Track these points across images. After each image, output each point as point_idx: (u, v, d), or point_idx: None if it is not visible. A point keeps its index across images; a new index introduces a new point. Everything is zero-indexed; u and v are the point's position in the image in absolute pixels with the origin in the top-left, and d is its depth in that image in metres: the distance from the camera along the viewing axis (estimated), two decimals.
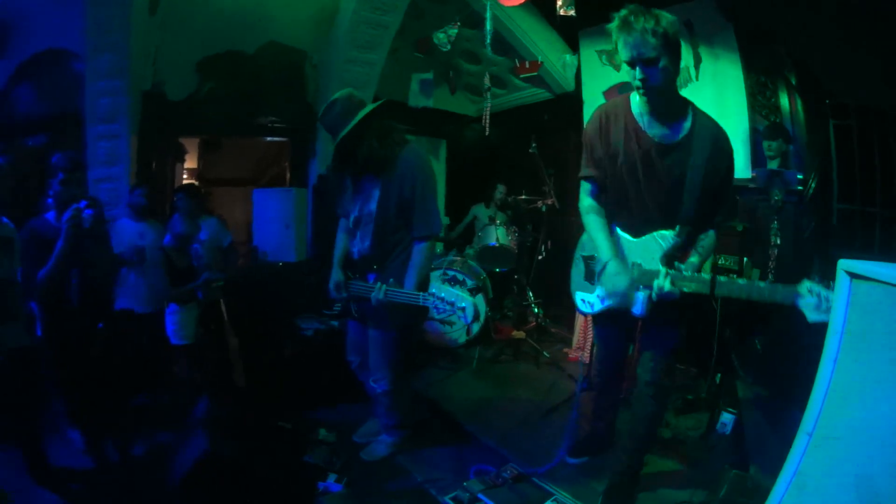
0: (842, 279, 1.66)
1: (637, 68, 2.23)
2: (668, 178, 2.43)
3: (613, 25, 2.23)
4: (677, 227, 2.41)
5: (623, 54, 2.24)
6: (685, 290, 2.29)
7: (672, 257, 2.41)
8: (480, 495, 2.98)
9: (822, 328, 1.72)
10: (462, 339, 5.54)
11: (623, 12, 2.20)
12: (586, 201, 2.73)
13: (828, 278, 1.88)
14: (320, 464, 3.37)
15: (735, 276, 3.73)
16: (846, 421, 1.62)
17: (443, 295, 2.78)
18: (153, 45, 5.22)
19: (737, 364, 3.90)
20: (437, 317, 2.88)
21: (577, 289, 2.90)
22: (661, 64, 2.20)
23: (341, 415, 4.01)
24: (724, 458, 3.26)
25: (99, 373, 3.46)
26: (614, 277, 2.50)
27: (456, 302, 2.75)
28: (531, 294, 6.07)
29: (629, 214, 2.59)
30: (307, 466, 3.35)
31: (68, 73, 4.98)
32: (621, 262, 2.54)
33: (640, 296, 2.43)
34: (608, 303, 2.68)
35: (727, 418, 3.57)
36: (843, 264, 1.66)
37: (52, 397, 3.50)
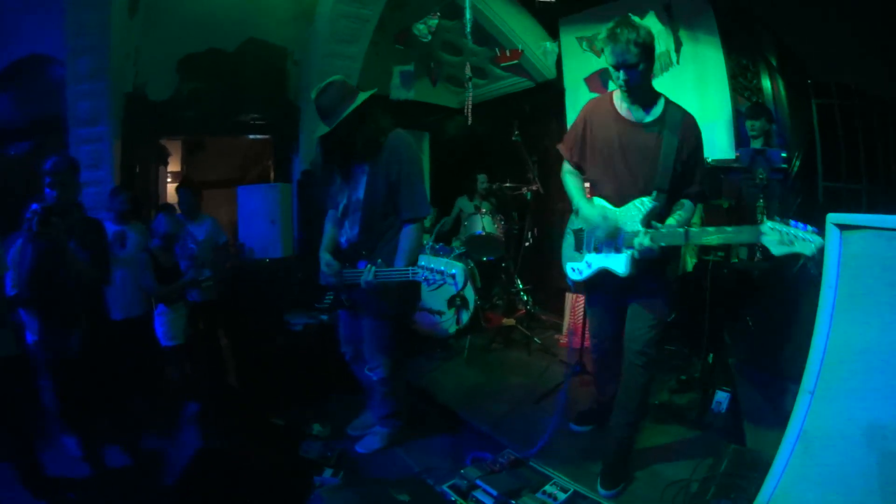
0: (831, 232, 1.69)
1: (621, 71, 2.65)
2: (644, 149, 2.77)
3: (602, 37, 2.66)
4: (654, 193, 2.70)
5: (610, 60, 2.65)
6: (663, 243, 2.58)
7: (650, 220, 2.68)
8: (479, 481, 2.97)
9: (815, 297, 1.74)
10: (452, 328, 5.53)
11: (610, 25, 2.63)
12: (566, 166, 3.13)
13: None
14: (315, 458, 3.35)
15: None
16: (850, 370, 1.65)
17: (432, 266, 2.75)
18: (133, 46, 5.17)
19: (729, 342, 3.93)
20: (428, 289, 2.86)
21: (567, 260, 3.09)
22: (640, 67, 2.63)
23: (334, 409, 4.00)
24: (721, 435, 3.30)
25: (90, 377, 3.41)
26: (588, 217, 2.89)
27: (445, 269, 2.71)
28: (519, 282, 6.08)
29: (611, 187, 2.87)
30: (303, 461, 3.33)
31: (49, 78, 4.93)
32: (591, 204, 2.92)
33: (624, 256, 2.73)
34: (596, 266, 2.88)
35: (722, 396, 3.60)
36: (832, 217, 1.70)
37: (43, 405, 3.46)
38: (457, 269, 2.70)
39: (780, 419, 1.86)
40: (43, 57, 4.98)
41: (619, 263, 2.76)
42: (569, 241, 3.09)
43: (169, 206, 4.48)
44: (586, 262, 2.94)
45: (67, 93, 4.85)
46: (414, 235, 3.12)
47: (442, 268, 2.72)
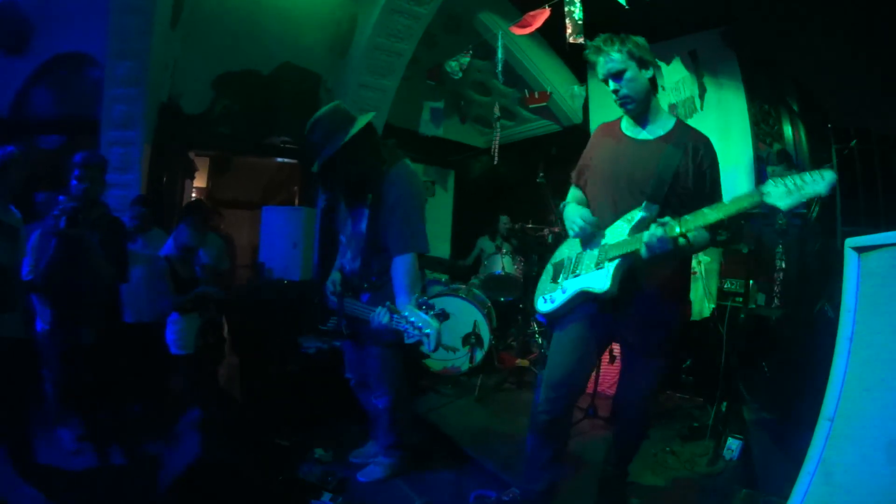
0: (849, 256, 1.66)
1: (610, 82, 2.48)
2: (646, 167, 2.50)
3: (589, 53, 2.54)
4: (644, 203, 2.43)
5: (599, 74, 2.52)
6: (681, 228, 2.15)
7: (641, 230, 2.33)
8: None
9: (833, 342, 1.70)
10: (465, 367, 5.45)
11: (597, 41, 2.51)
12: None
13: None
14: (315, 481, 3.30)
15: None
16: (870, 394, 1.59)
17: (413, 319, 2.65)
18: (172, 57, 5.35)
19: (743, 390, 3.84)
20: (407, 341, 2.73)
21: (540, 293, 2.78)
22: (628, 75, 2.44)
23: (339, 435, 3.95)
24: (732, 482, 3.19)
25: (96, 372, 3.44)
26: (570, 217, 2.63)
27: (422, 327, 2.59)
28: (535, 324, 6.02)
29: (610, 211, 2.57)
30: (301, 483, 3.28)
31: (86, 77, 5.13)
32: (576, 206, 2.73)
33: (605, 270, 2.41)
34: (572, 291, 2.55)
35: (734, 444, 3.51)
36: (850, 242, 1.66)
37: (45, 394, 3.48)
38: (431, 329, 2.57)
39: (794, 467, 1.78)
40: (84, 56, 5.17)
41: (599, 280, 2.41)
42: (547, 274, 2.83)
43: (191, 218, 4.52)
44: (561, 289, 2.62)
45: (104, 94, 5.02)
46: (404, 269, 2.95)
47: (420, 325, 2.60)
